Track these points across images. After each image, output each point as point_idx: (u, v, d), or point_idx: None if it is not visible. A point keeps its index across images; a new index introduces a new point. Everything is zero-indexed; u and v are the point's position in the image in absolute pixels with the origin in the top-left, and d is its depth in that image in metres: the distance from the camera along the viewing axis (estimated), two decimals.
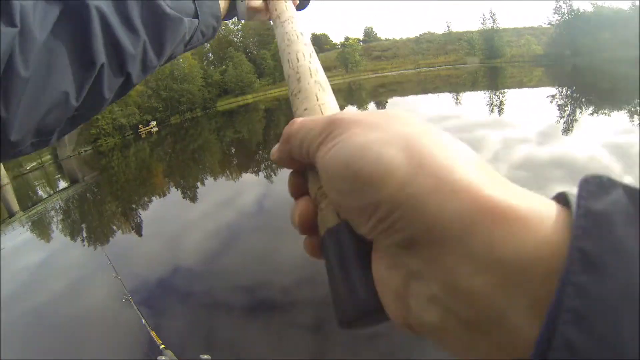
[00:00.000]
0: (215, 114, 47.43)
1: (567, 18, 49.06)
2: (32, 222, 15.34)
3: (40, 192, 27.07)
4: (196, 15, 0.67)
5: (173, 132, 40.26)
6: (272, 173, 12.19)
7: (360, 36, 76.51)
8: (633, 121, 12.60)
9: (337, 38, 76.14)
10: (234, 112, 42.67)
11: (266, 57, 62.23)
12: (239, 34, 67.63)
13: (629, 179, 7.42)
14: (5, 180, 41.08)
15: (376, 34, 77.32)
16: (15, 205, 22.62)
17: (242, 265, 6.40)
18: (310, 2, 1.07)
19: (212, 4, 0.72)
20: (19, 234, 13.65)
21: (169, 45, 0.63)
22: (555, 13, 50.73)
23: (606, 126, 12.30)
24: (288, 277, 5.56)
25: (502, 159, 9.72)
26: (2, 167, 41.56)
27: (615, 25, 41.85)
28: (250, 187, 11.27)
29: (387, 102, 27.37)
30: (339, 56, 65.34)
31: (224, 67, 60.84)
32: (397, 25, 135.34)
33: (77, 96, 0.50)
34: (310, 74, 0.48)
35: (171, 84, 53.96)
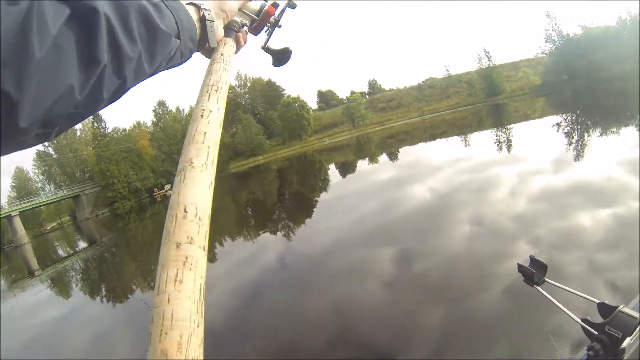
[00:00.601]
0: (229, 176, 48.00)
1: (558, 44, 49.80)
2: (52, 280, 15.96)
3: (60, 251, 27.85)
4: (178, 36, 0.74)
5: None
6: (290, 232, 12.25)
7: (365, 89, 78.02)
8: None
9: (343, 93, 77.88)
10: (247, 174, 43.19)
11: (274, 117, 63.77)
12: (246, 96, 70.15)
13: None
14: (25, 239, 42.40)
15: (380, 85, 78.92)
16: (34, 264, 23.33)
17: (269, 323, 6.38)
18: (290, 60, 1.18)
19: (191, 28, 0.80)
20: (39, 292, 14.37)
21: (159, 57, 0.69)
22: (546, 41, 51.58)
23: (617, 144, 12.31)
24: (317, 336, 5.52)
25: (520, 193, 9.73)
26: (22, 226, 42.88)
27: (606, 43, 42.35)
28: (270, 245, 11.26)
29: (398, 152, 27.55)
30: (344, 112, 66.21)
31: (233, 129, 62.29)
32: (401, 74, 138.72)
33: (81, 91, 0.53)
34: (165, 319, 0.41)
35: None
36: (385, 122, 62.67)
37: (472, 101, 56.38)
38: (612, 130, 14.83)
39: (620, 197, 7.67)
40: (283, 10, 1.12)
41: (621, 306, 1.40)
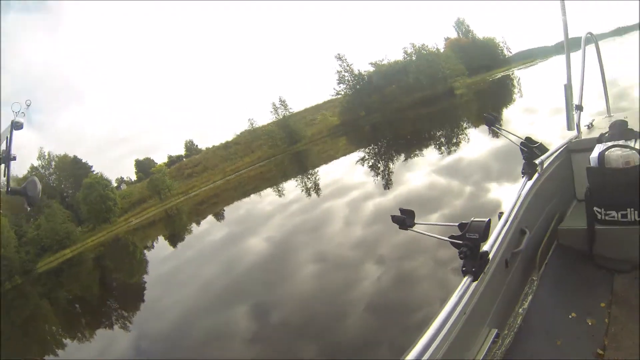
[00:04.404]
0: (39, 277, 41.34)
1: (351, 84, 54.47)
2: None
3: None
4: None
5: None
6: (128, 320, 11.60)
7: (182, 151, 74.48)
8: (441, 152, 13.96)
9: (161, 159, 71.46)
10: (59, 270, 38.37)
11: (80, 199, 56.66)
12: (52, 177, 61.70)
13: None
14: None
15: (197, 145, 74.83)
16: None
17: None
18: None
19: None
20: None
21: None
22: (339, 83, 55.89)
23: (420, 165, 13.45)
24: None
25: (354, 221, 10.07)
26: None
27: (395, 76, 48.26)
28: (112, 337, 10.51)
29: (223, 210, 27.09)
30: (149, 185, 61.79)
31: (38, 220, 53.10)
32: (216, 130, 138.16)
33: None
34: None
35: None
36: (189, 190, 60.03)
37: (273, 153, 58.10)
38: (416, 154, 16.27)
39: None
40: (9, 139, 0.83)
41: (472, 219, 1.91)
